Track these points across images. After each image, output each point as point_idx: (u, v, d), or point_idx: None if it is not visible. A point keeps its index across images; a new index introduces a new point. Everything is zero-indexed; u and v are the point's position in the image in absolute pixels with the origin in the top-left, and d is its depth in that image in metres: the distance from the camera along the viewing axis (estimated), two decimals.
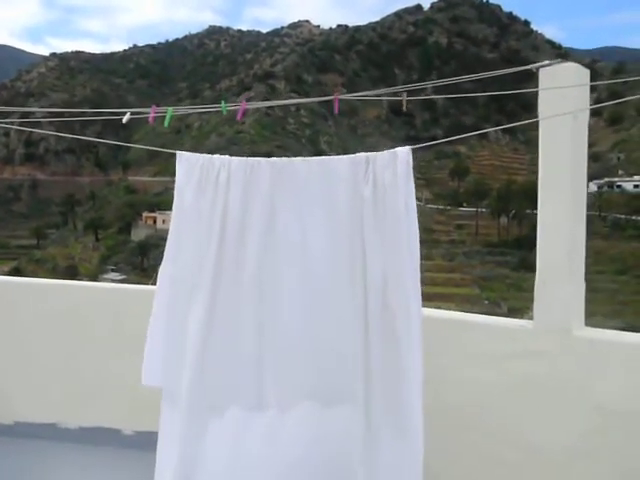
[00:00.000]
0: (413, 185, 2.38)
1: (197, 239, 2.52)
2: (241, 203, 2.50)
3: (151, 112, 2.82)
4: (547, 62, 2.91)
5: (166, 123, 2.80)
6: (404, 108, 2.68)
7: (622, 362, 2.86)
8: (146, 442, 3.77)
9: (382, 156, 2.40)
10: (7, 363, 4.29)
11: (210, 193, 2.54)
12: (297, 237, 2.50)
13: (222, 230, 2.49)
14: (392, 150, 2.41)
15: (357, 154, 2.45)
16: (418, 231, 2.40)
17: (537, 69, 2.92)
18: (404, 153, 2.38)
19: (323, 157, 2.55)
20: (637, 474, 2.78)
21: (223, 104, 2.85)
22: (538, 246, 2.99)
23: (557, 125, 2.87)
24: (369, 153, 2.42)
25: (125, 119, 2.84)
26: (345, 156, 2.50)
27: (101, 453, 4.01)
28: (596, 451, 2.86)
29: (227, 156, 2.61)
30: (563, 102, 2.83)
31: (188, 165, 2.59)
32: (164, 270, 2.59)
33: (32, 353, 4.27)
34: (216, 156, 2.63)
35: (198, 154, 2.65)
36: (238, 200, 2.51)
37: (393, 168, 2.37)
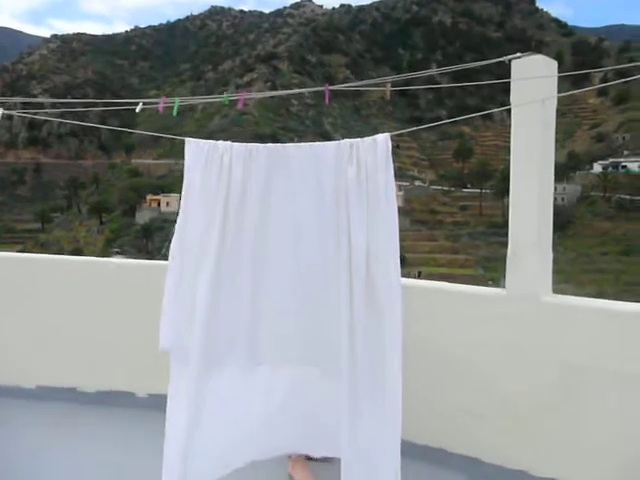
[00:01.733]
0: (392, 166, 2.70)
1: (203, 215, 2.86)
2: (242, 183, 2.85)
3: (160, 102, 3.13)
4: (519, 54, 3.21)
5: (174, 112, 3.11)
6: (387, 97, 2.97)
7: (585, 324, 3.19)
8: (158, 404, 4.14)
9: (364, 142, 2.73)
10: (30, 333, 4.64)
11: (214, 175, 2.87)
12: (289, 212, 2.85)
13: (225, 207, 2.83)
14: (373, 137, 2.73)
15: (342, 140, 2.78)
16: (397, 208, 2.73)
17: (509, 60, 3.22)
18: (383, 139, 2.70)
19: (313, 143, 2.89)
20: (596, 419, 3.13)
21: (225, 96, 3.17)
22: (510, 222, 3.33)
23: (527, 112, 3.18)
24: (353, 139, 2.76)
25: (138, 109, 3.15)
26: (331, 142, 2.83)
27: (117, 415, 4.35)
28: (561, 402, 3.21)
29: (229, 142, 2.95)
30: (532, 91, 3.14)
31: (196, 150, 2.93)
32: (175, 244, 2.93)
33: (53, 324, 4.61)
34: (220, 142, 2.96)
35: (204, 140, 2.98)
36: (239, 181, 2.85)
37: (374, 152, 2.69)
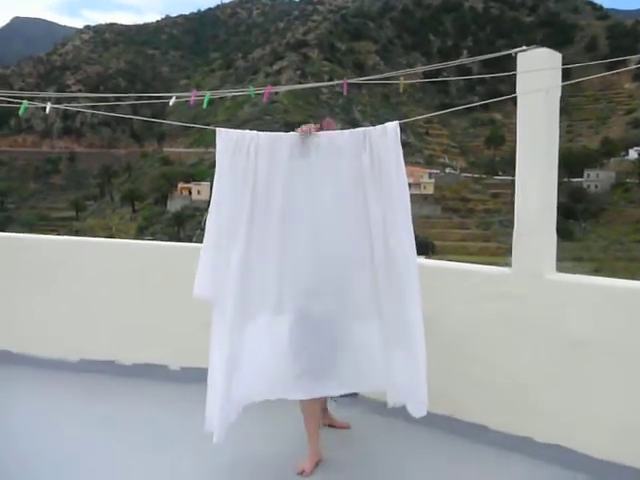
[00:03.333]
0: (401, 150, 3.07)
1: (234, 195, 3.21)
2: (268, 166, 3.21)
3: (192, 96, 3.42)
4: (525, 47, 3.43)
5: (205, 105, 3.40)
6: (401, 90, 3.22)
7: (585, 301, 3.41)
8: (190, 377, 4.47)
9: (375, 129, 3.09)
10: (74, 311, 5.01)
11: (243, 160, 3.23)
12: (313, 192, 3.19)
13: (254, 185, 3.19)
14: (383, 125, 3.10)
15: (356, 129, 3.11)
16: (407, 185, 3.09)
17: (516, 54, 3.43)
18: (393, 126, 3.08)
19: (332, 131, 3.22)
20: (595, 389, 3.35)
21: (251, 89, 3.45)
22: (516, 204, 3.56)
23: (532, 101, 3.40)
24: (366, 128, 3.07)
25: (171, 102, 3.44)
26: (347, 130, 3.15)
27: (152, 385, 4.69)
28: (562, 373, 3.44)
29: (255, 131, 3.28)
30: (537, 81, 3.35)
31: (225, 139, 3.25)
32: (210, 217, 3.29)
33: (94, 302, 4.97)
34: (247, 131, 3.28)
35: (233, 130, 3.29)
36: (265, 164, 3.21)
37: (385, 138, 3.06)
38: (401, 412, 3.21)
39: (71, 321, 4.98)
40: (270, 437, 3.86)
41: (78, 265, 5.03)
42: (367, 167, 3.07)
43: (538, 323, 3.50)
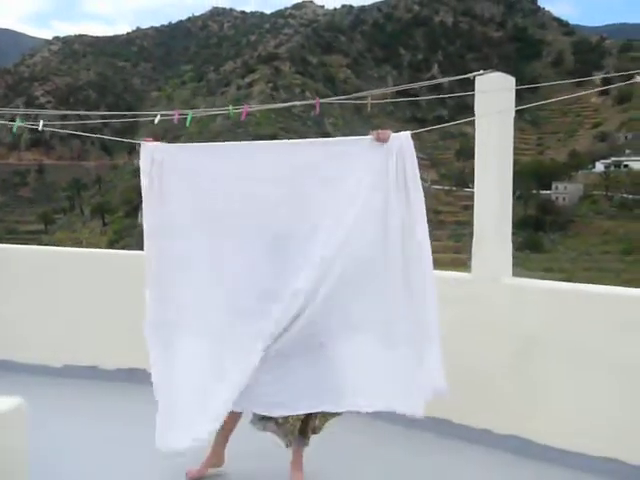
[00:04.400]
0: (416, 159, 3.21)
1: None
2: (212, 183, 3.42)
3: (175, 114, 3.68)
4: (482, 71, 3.75)
5: (187, 124, 3.66)
6: (369, 109, 3.52)
7: (539, 302, 3.73)
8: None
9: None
10: (56, 318, 5.20)
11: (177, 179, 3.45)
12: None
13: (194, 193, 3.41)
14: (396, 134, 3.25)
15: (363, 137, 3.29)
16: (422, 190, 3.19)
17: (474, 77, 3.76)
18: (406, 136, 3.24)
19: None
20: (548, 382, 3.67)
21: (230, 108, 3.72)
22: (474, 214, 3.88)
23: (487, 121, 3.73)
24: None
25: (156, 120, 3.69)
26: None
27: (133, 389, 4.87)
28: (518, 369, 3.75)
29: (187, 144, 3.59)
30: (492, 103, 3.68)
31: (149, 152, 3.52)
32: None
33: (76, 310, 5.17)
34: (174, 145, 3.56)
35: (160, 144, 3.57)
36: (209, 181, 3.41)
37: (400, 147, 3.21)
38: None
39: (53, 328, 5.18)
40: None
41: (58, 275, 5.23)
42: (383, 176, 3.19)
43: (496, 323, 3.82)
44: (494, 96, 3.65)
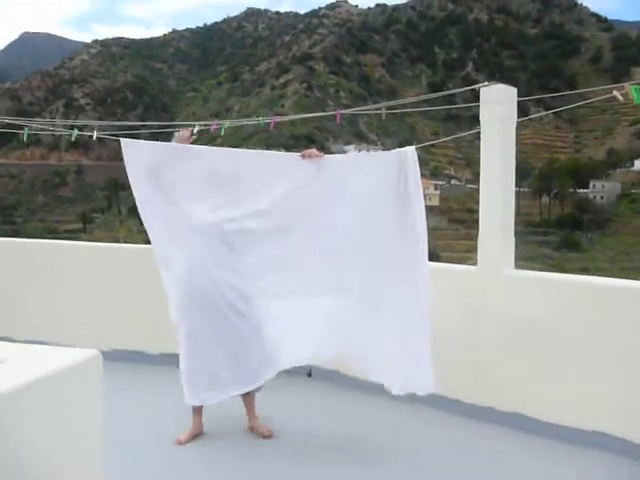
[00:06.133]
0: (419, 171, 3.75)
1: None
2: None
3: (213, 125, 4.17)
4: (486, 83, 4.16)
5: (222, 132, 4.14)
6: (383, 117, 3.95)
7: (538, 292, 4.12)
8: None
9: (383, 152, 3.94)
10: (108, 307, 5.75)
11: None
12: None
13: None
14: (398, 150, 3.83)
15: (360, 152, 3.82)
16: (423, 203, 3.71)
17: (479, 89, 4.16)
18: (412, 150, 3.78)
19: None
20: (545, 362, 4.05)
21: (261, 119, 4.19)
22: (480, 212, 4.28)
23: (492, 129, 4.13)
24: (372, 152, 3.77)
25: (195, 130, 4.17)
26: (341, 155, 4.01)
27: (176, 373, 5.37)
28: (517, 351, 4.15)
29: (172, 143, 4.03)
30: (496, 112, 4.09)
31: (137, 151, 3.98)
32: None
33: (125, 300, 5.71)
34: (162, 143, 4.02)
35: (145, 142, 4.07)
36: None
37: (403, 161, 3.77)
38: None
39: (103, 315, 5.72)
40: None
41: (105, 268, 5.79)
42: (385, 187, 3.78)
43: (498, 310, 4.22)
44: (497, 107, 4.05)
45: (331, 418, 4.47)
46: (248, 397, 4.13)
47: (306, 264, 3.92)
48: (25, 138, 3.95)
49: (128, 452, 3.69)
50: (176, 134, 3.97)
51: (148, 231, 4.10)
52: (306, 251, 3.91)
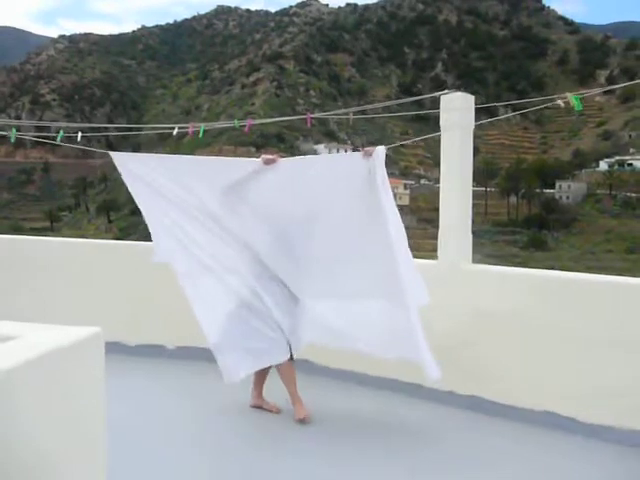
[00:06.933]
0: (385, 169, 4.02)
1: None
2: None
3: (190, 127, 4.43)
4: (446, 91, 4.49)
5: (200, 135, 4.40)
6: (350, 122, 4.25)
7: (492, 284, 4.48)
8: (185, 355, 5.43)
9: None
10: (102, 300, 5.96)
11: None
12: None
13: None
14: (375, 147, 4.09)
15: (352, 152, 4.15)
16: (392, 195, 4.00)
17: (439, 96, 4.50)
18: (382, 150, 4.04)
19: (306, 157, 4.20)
20: (501, 348, 4.40)
21: (236, 121, 4.46)
22: (440, 210, 4.62)
23: (451, 134, 4.47)
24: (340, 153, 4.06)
25: (174, 132, 4.43)
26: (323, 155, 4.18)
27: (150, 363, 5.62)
28: (475, 338, 4.49)
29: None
30: (455, 119, 4.43)
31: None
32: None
33: (99, 293, 5.93)
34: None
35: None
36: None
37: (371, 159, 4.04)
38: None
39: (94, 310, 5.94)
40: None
41: (91, 263, 6.00)
42: (358, 181, 4.06)
43: (457, 300, 4.57)
44: (456, 113, 4.39)
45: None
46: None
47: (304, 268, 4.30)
48: None
49: (127, 436, 3.85)
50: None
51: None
52: (309, 255, 4.27)
